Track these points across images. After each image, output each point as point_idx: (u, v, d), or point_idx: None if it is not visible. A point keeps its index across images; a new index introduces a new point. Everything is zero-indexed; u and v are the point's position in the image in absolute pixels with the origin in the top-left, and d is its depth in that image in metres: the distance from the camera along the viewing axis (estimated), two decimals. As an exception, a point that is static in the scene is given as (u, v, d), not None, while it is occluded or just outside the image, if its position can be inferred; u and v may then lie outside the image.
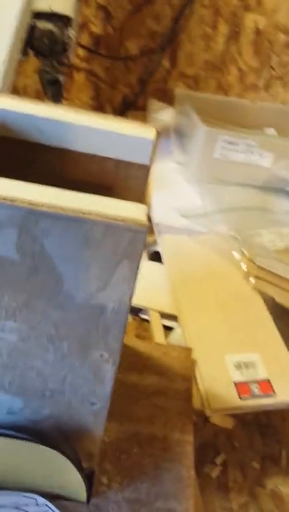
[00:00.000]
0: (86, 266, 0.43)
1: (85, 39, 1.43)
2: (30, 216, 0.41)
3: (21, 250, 0.42)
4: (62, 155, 0.58)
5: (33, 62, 1.35)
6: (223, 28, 1.47)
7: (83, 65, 1.47)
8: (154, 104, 1.48)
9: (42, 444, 0.52)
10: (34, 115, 0.55)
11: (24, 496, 0.53)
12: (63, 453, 0.52)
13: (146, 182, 0.63)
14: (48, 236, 0.42)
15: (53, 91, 1.13)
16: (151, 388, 0.68)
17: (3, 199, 0.40)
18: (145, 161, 0.60)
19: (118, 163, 0.59)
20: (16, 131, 0.56)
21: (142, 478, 0.59)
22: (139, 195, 0.62)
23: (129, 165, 0.59)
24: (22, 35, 0.89)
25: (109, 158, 0.58)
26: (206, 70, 1.53)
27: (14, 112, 0.55)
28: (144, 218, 0.44)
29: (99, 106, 1.53)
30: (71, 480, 0.54)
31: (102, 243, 0.43)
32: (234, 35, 1.49)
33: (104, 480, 0.58)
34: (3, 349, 0.47)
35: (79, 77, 1.49)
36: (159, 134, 0.59)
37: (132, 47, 1.46)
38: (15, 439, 0.51)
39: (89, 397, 0.50)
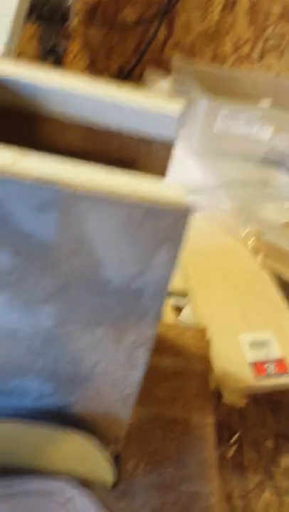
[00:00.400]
0: (125, 250, 0.42)
1: (81, 7, 1.39)
2: (72, 199, 0.39)
3: (61, 234, 0.40)
4: (82, 131, 0.55)
5: (29, 29, 1.31)
6: (220, -2, 1.45)
7: (79, 33, 1.43)
8: (152, 73, 1.45)
9: (69, 429, 0.50)
10: (52, 88, 0.52)
11: (52, 481, 0.51)
12: (90, 438, 0.51)
13: (169, 159, 0.61)
14: (87, 219, 0.40)
15: (52, 60, 1.10)
16: (169, 370, 0.67)
17: (45, 181, 0.38)
18: (169, 138, 0.58)
19: (140, 138, 0.57)
20: (32, 106, 0.53)
21: (166, 462, 0.58)
22: (161, 173, 0.61)
23: (152, 141, 0.57)
24: (26, 2, 0.86)
25: (132, 134, 0.56)
26: (201, 40, 1.50)
27: (31, 85, 0.52)
28: (186, 201, 0.42)
29: (94, 75, 1.49)
30: (98, 465, 0.53)
31: (142, 226, 0.41)
32: (230, 5, 1.46)
33: (130, 465, 0.57)
34: (38, 335, 0.45)
35: (74, 46, 1.45)
36: (185, 109, 0.57)
37: (129, 15, 1.43)
38: (43, 426, 0.50)
39: (120, 382, 0.49)
